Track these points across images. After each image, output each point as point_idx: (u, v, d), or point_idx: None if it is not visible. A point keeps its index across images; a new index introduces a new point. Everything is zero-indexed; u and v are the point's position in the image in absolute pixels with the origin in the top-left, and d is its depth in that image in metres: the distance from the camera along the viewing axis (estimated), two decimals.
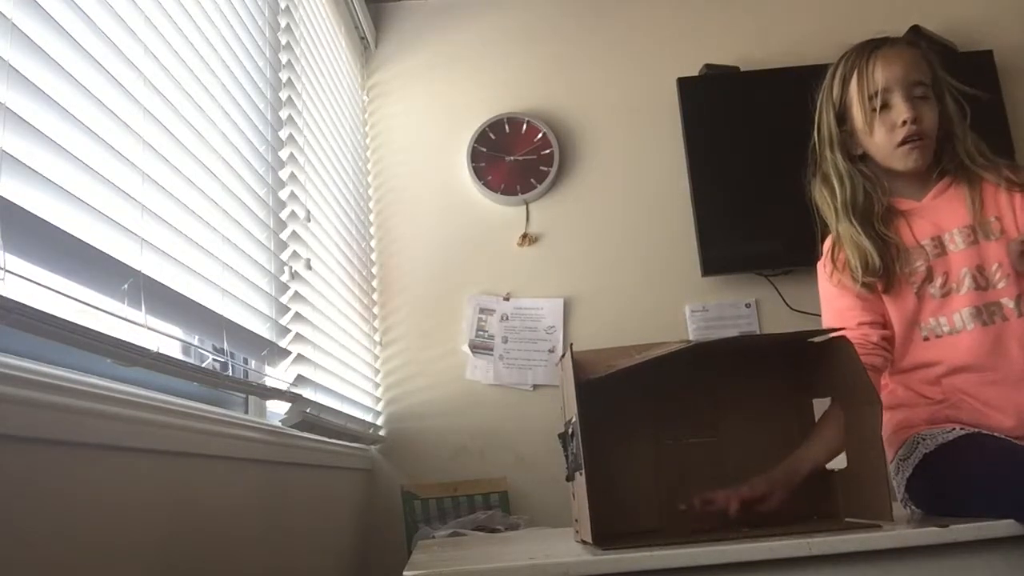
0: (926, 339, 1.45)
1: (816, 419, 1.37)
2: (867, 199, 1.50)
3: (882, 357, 1.47)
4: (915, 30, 2.75)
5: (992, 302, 1.42)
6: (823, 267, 1.57)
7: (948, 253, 1.46)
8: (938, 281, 1.45)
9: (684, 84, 2.85)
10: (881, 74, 1.45)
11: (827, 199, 1.54)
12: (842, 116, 1.53)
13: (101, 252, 1.04)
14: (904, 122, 1.44)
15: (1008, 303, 1.41)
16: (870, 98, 1.46)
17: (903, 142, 1.45)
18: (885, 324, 1.48)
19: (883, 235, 1.47)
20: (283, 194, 1.88)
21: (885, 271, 1.45)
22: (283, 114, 1.94)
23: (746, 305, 2.79)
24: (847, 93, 1.51)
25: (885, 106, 1.46)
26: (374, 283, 2.84)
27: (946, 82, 1.50)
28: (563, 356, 1.30)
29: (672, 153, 2.83)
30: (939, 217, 1.48)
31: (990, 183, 1.47)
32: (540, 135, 2.89)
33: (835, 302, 1.53)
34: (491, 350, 2.77)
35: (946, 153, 1.50)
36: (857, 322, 1.48)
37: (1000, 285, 1.42)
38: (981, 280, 1.43)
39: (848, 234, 1.48)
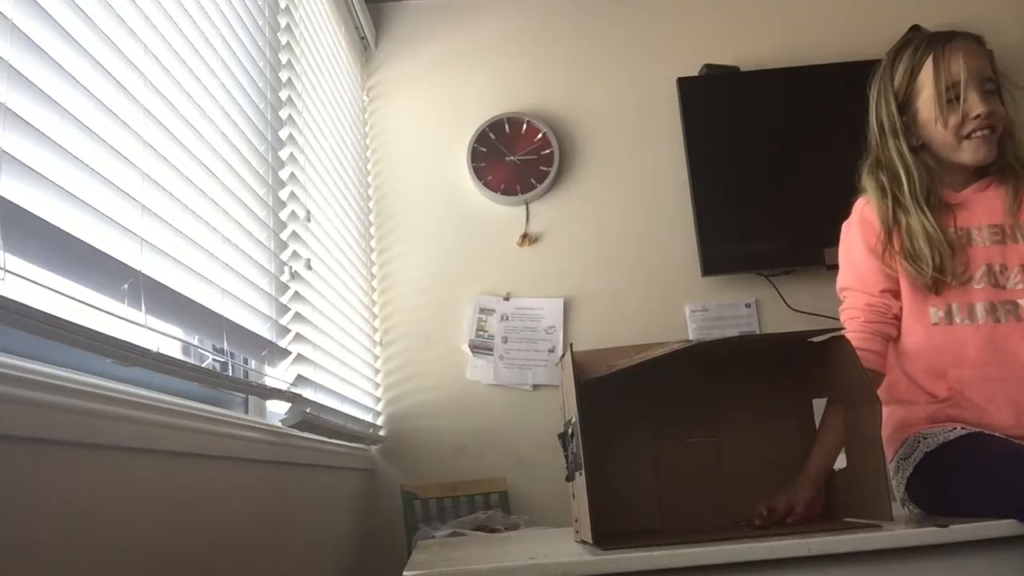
0: (935, 324, 1.45)
1: (816, 419, 1.37)
2: (929, 191, 1.48)
3: (896, 328, 1.48)
4: (915, 30, 2.75)
5: (1008, 301, 1.42)
6: (852, 228, 1.57)
7: (973, 245, 1.46)
8: (958, 269, 1.45)
9: (684, 84, 2.85)
10: (957, 66, 1.45)
11: (885, 186, 1.51)
12: (904, 106, 1.51)
13: (101, 252, 1.04)
14: (978, 115, 1.44)
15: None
16: (946, 89, 1.45)
17: (971, 135, 1.45)
18: (899, 296, 1.49)
19: (942, 228, 1.46)
20: (283, 194, 1.88)
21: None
22: (283, 114, 1.94)
23: (746, 305, 2.79)
24: (914, 83, 1.49)
25: (957, 99, 1.45)
26: (374, 283, 2.85)
27: (1001, 80, 1.50)
28: (563, 356, 1.30)
29: (672, 153, 2.83)
30: (974, 210, 1.48)
31: None
32: (540, 135, 2.89)
33: (860, 264, 1.53)
34: (491, 350, 2.77)
35: (999, 151, 1.50)
36: (880, 289, 1.49)
37: (1020, 287, 1.42)
38: (1001, 278, 1.43)
39: (922, 227, 1.45)
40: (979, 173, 1.51)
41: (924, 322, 1.46)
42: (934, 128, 1.47)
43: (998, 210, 1.47)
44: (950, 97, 1.45)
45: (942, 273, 1.43)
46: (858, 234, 1.54)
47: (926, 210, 1.46)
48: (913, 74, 1.50)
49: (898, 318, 1.49)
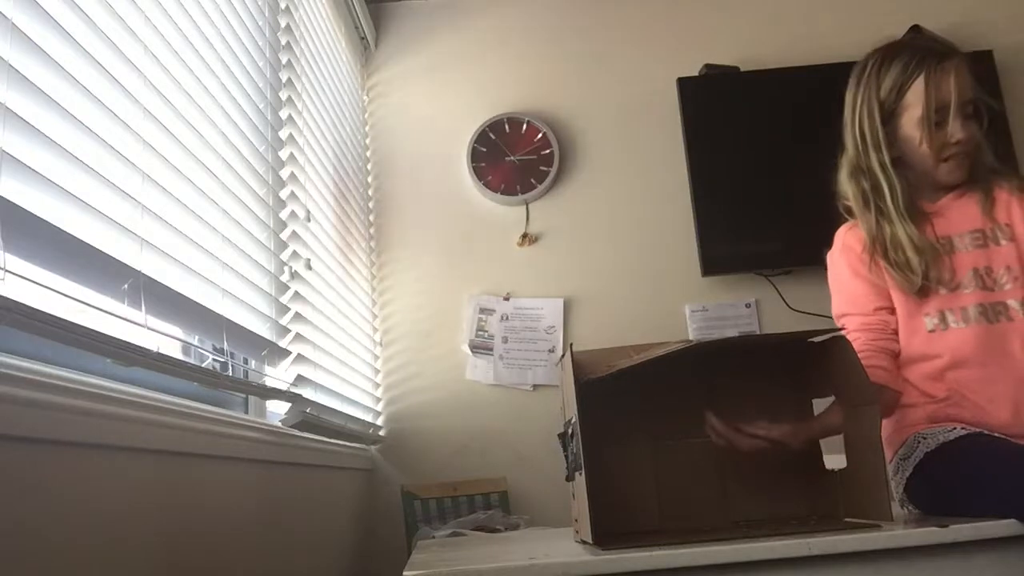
0: (931, 331, 1.46)
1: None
2: (911, 201, 1.50)
3: (898, 343, 1.49)
4: (915, 30, 2.75)
5: (998, 302, 1.43)
6: (835, 256, 1.59)
7: (956, 252, 1.47)
8: (945, 276, 1.46)
9: (684, 84, 2.85)
10: (947, 90, 1.45)
11: (868, 195, 1.52)
12: (886, 117, 1.51)
13: (101, 252, 1.04)
14: (958, 141, 1.45)
15: (1014, 304, 1.42)
16: (936, 111, 1.46)
17: (949, 158, 1.47)
18: (894, 311, 1.50)
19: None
20: (283, 194, 1.88)
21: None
22: (283, 114, 1.94)
23: (746, 305, 2.79)
24: (902, 100, 1.49)
25: (942, 122, 1.46)
26: (374, 283, 2.85)
27: (982, 97, 1.50)
28: (563, 356, 1.30)
29: (672, 153, 2.83)
30: (951, 218, 1.50)
31: (1003, 190, 1.50)
32: (540, 135, 2.89)
33: (849, 289, 1.54)
34: (491, 350, 2.77)
35: (971, 164, 1.51)
36: (874, 307, 1.50)
37: (1008, 287, 1.44)
38: (988, 281, 1.44)
39: (907, 238, 1.47)
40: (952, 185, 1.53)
41: (920, 331, 1.47)
42: (915, 148, 1.49)
43: (975, 215, 1.49)
44: (935, 120, 1.46)
45: (927, 278, 1.45)
46: (842, 260, 1.56)
47: (908, 221, 1.47)
48: (901, 91, 1.49)
49: (897, 332, 1.50)
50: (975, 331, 1.43)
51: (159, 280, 1.19)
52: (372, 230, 2.89)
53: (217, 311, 1.40)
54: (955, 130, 1.45)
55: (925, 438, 1.41)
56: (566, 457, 1.27)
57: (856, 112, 1.55)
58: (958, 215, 1.50)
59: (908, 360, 1.49)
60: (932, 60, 1.47)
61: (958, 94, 1.45)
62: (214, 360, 1.53)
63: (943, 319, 1.45)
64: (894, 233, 1.48)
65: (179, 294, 1.26)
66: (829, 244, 1.64)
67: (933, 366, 1.45)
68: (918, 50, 1.51)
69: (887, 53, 1.53)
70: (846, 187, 1.56)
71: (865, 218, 1.52)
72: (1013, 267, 1.44)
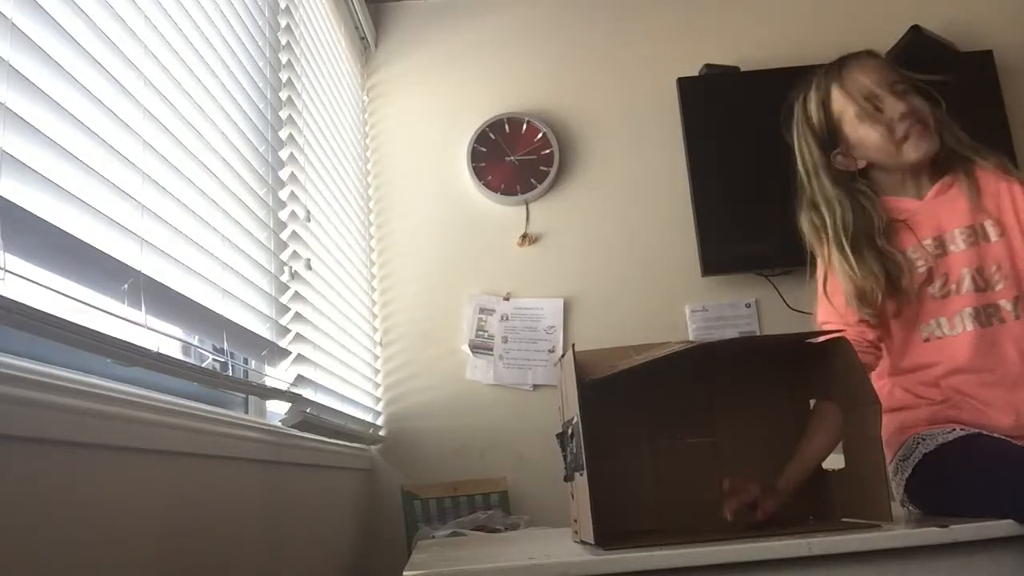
0: (926, 340, 1.46)
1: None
2: (865, 218, 1.49)
3: (875, 356, 1.48)
4: (915, 30, 2.75)
5: (991, 304, 1.43)
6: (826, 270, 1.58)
7: (949, 253, 1.46)
8: (938, 282, 1.45)
9: (684, 84, 2.85)
10: (863, 79, 1.48)
11: (816, 227, 1.54)
12: (827, 140, 1.53)
13: (101, 252, 1.04)
14: (902, 115, 1.45)
15: (1006, 305, 1.42)
16: (864, 101, 1.48)
17: (906, 136, 1.46)
18: (879, 323, 1.49)
19: (886, 251, 1.46)
20: (283, 194, 1.88)
21: (893, 291, 1.44)
22: (283, 114, 1.94)
23: (746, 305, 2.79)
24: (831, 112, 1.52)
25: (878, 108, 1.47)
26: (374, 283, 2.85)
27: (912, 79, 1.51)
28: (563, 356, 1.30)
29: (672, 153, 2.83)
30: (940, 216, 1.49)
31: (986, 172, 1.49)
32: (540, 135, 2.89)
33: (832, 298, 1.53)
34: (491, 350, 2.77)
35: (940, 140, 1.50)
36: (857, 319, 1.48)
37: (999, 287, 1.43)
38: (980, 281, 1.44)
39: (841, 265, 1.47)
40: (937, 172, 1.51)
41: (916, 343, 1.47)
42: (870, 143, 1.49)
43: (964, 210, 1.47)
44: (870, 109, 1.47)
45: (873, 308, 1.44)
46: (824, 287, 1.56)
47: (846, 244, 1.46)
48: (826, 106, 1.52)
49: (875, 344, 1.48)
50: (969, 337, 1.42)
51: (159, 280, 1.19)
52: (372, 230, 2.89)
53: (217, 311, 1.40)
54: (892, 105, 1.46)
55: (924, 439, 1.41)
56: (565, 457, 1.27)
57: (798, 148, 1.58)
58: (947, 212, 1.48)
59: (905, 371, 1.48)
60: (835, 66, 1.53)
61: (874, 79, 1.48)
62: (214, 360, 1.52)
63: (938, 326, 1.45)
64: (833, 262, 1.49)
65: (179, 294, 1.26)
66: None
67: (929, 374, 1.45)
68: (822, 69, 1.56)
69: (800, 85, 1.58)
70: (802, 223, 1.59)
71: (820, 252, 1.54)
72: (1003, 265, 1.43)
